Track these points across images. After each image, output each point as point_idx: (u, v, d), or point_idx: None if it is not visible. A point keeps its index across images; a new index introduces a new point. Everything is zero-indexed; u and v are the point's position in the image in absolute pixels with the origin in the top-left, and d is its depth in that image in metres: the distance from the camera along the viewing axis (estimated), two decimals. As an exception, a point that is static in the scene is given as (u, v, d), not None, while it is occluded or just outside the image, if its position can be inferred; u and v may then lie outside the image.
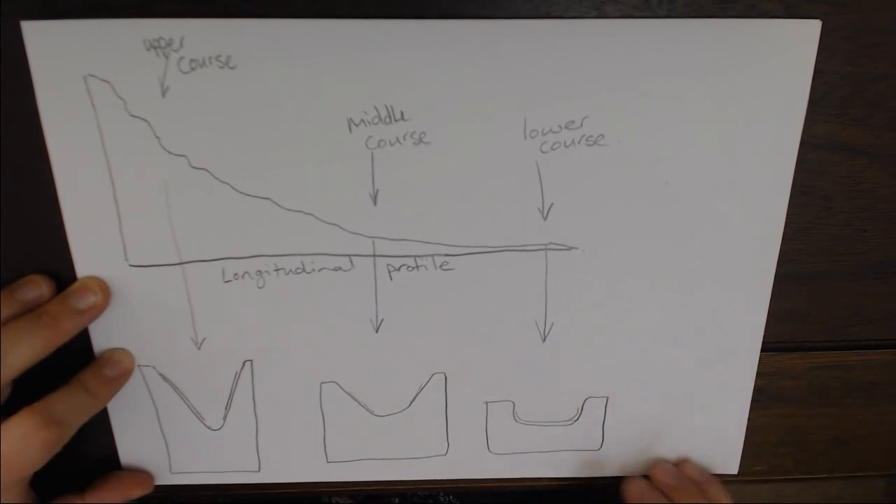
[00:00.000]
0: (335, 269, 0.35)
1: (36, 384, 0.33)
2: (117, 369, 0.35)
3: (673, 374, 0.38)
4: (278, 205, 0.33)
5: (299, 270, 0.35)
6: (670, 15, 0.31)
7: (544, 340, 0.37)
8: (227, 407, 0.38)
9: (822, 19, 0.31)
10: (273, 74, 0.31)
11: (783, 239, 0.36)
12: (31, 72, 0.30)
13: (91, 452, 0.38)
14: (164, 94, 0.31)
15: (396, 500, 0.51)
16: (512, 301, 0.36)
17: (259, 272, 0.35)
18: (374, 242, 0.35)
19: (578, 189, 0.34)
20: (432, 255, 0.35)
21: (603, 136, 0.33)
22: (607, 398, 0.39)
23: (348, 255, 0.35)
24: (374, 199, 0.34)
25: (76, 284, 0.34)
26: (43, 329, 0.32)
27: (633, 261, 0.36)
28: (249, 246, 0.34)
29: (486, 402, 0.39)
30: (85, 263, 0.34)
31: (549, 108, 0.32)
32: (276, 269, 0.35)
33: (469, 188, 0.34)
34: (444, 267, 0.35)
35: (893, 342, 0.39)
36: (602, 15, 0.31)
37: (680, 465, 0.40)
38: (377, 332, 0.37)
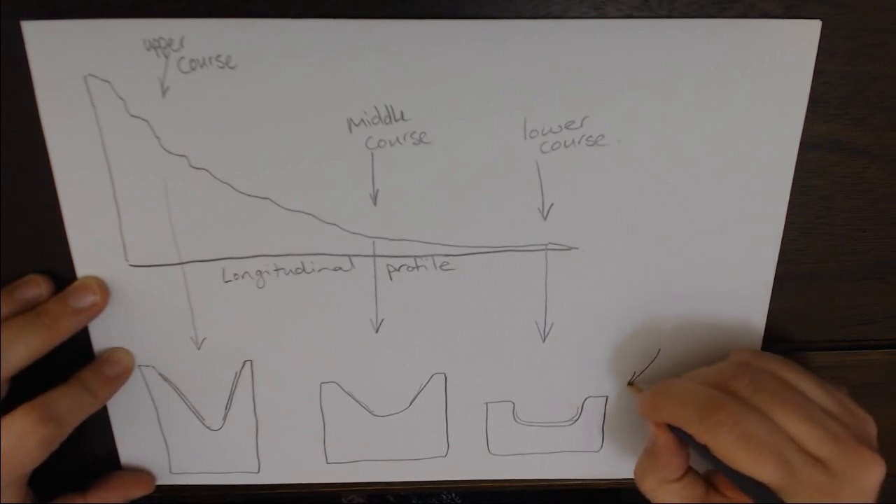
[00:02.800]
0: (335, 270, 0.35)
1: (36, 384, 0.33)
2: (117, 368, 0.35)
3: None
4: (278, 205, 0.33)
5: (299, 270, 0.35)
6: (670, 15, 0.31)
7: (544, 340, 0.37)
8: (227, 407, 0.38)
9: (822, 19, 0.31)
10: (273, 74, 0.31)
11: (783, 239, 0.36)
12: (31, 72, 0.30)
13: (91, 452, 0.38)
14: (164, 94, 0.31)
15: (390, 498, 0.51)
16: (512, 301, 0.36)
17: (259, 272, 0.35)
18: (374, 242, 0.35)
19: (578, 189, 0.34)
20: (432, 255, 0.35)
21: (603, 136, 0.33)
22: (607, 398, 0.39)
23: (348, 256, 0.35)
24: (374, 199, 0.34)
25: (75, 284, 0.34)
26: (41, 327, 0.32)
27: (633, 261, 0.36)
28: (249, 246, 0.34)
29: (486, 403, 0.39)
30: (85, 263, 0.34)
31: (549, 108, 0.32)
32: (276, 269, 0.35)
33: (469, 188, 0.34)
34: (444, 267, 0.35)
35: (893, 342, 0.39)
36: (602, 15, 0.31)
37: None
38: (377, 332, 0.36)
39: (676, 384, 0.33)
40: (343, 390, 0.38)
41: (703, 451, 0.31)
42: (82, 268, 0.34)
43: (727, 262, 0.36)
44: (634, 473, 0.36)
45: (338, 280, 0.35)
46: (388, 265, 0.35)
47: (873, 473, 0.30)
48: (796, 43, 0.32)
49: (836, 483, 0.29)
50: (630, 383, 0.38)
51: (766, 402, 0.31)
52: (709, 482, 0.34)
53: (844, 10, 0.31)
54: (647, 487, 0.34)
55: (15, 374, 0.32)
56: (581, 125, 0.33)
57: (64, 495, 0.36)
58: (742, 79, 0.32)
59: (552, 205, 0.34)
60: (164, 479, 0.40)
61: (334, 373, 0.37)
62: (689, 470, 0.34)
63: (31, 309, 0.33)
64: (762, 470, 0.29)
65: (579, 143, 0.33)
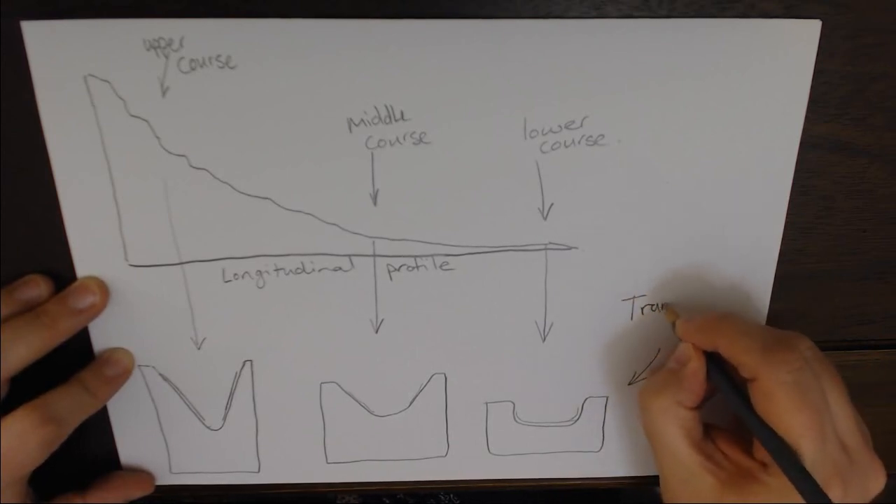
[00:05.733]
0: (335, 270, 0.35)
1: (36, 384, 0.33)
2: (117, 369, 0.35)
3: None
4: (278, 205, 0.33)
5: (299, 270, 0.35)
6: (670, 15, 0.31)
7: (544, 340, 0.37)
8: (227, 407, 0.38)
9: (822, 19, 0.31)
10: (273, 74, 0.31)
11: (783, 239, 0.36)
12: (31, 72, 0.30)
13: (91, 452, 0.38)
14: (164, 94, 0.31)
15: (400, 496, 0.51)
16: (512, 301, 0.36)
17: (259, 272, 0.35)
18: (374, 242, 0.35)
19: (578, 189, 0.34)
20: (432, 255, 0.35)
21: (603, 136, 0.33)
22: (607, 398, 0.39)
23: (348, 256, 0.35)
24: (374, 199, 0.34)
25: (75, 284, 0.34)
26: (41, 328, 0.32)
27: (633, 261, 0.36)
28: (249, 246, 0.34)
29: (486, 403, 0.39)
30: (85, 263, 0.34)
31: (549, 108, 0.32)
32: (276, 269, 0.35)
33: (469, 188, 0.34)
34: (444, 267, 0.35)
35: (893, 342, 0.39)
36: (602, 15, 0.31)
37: None
38: (377, 332, 0.36)
39: (741, 317, 0.33)
40: (343, 390, 0.38)
41: (735, 392, 0.31)
42: (82, 268, 0.34)
43: (727, 263, 0.36)
44: (642, 392, 0.34)
45: (338, 280, 0.35)
46: (388, 265, 0.35)
47: (879, 481, 0.31)
48: (796, 43, 0.32)
49: (852, 470, 0.30)
50: (666, 307, 0.36)
51: (820, 372, 0.31)
52: (706, 432, 0.34)
53: (844, 10, 0.31)
54: (657, 407, 0.32)
55: (15, 374, 0.32)
56: (581, 125, 0.33)
57: (64, 495, 0.36)
58: (742, 79, 0.32)
59: (552, 205, 0.34)
60: (164, 479, 0.40)
61: (334, 373, 0.37)
62: (698, 408, 0.33)
63: (31, 309, 0.33)
64: (799, 421, 0.29)
65: (579, 143, 0.33)
